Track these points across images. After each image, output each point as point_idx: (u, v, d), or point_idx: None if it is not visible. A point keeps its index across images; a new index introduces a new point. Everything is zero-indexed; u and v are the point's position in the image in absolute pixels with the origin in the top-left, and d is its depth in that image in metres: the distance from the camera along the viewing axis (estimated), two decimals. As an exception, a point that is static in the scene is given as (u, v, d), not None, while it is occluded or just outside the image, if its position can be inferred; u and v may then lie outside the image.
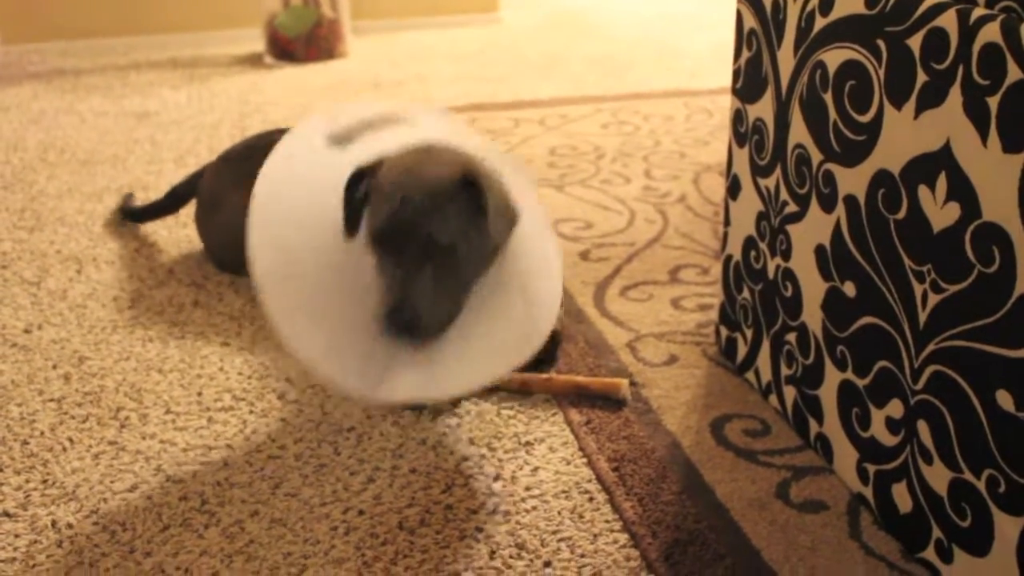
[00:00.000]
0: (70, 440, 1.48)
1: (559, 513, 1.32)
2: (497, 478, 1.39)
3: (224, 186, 1.94)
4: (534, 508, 1.33)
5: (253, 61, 3.46)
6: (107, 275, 1.96)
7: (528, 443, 1.45)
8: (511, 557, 1.25)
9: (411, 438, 1.47)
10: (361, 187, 1.46)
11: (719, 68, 3.33)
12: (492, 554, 1.25)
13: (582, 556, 1.25)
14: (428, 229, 1.39)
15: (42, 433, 1.50)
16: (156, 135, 2.73)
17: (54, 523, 1.32)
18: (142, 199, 2.32)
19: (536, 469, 1.40)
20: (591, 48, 3.59)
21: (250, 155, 1.96)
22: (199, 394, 1.58)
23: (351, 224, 1.47)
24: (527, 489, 1.36)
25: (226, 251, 1.93)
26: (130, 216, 2.20)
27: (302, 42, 3.40)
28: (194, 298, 1.87)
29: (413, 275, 1.39)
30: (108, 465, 1.42)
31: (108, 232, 2.14)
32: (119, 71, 3.34)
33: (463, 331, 1.45)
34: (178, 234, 2.16)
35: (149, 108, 2.95)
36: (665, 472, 1.38)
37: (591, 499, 1.34)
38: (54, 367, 1.66)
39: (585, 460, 1.42)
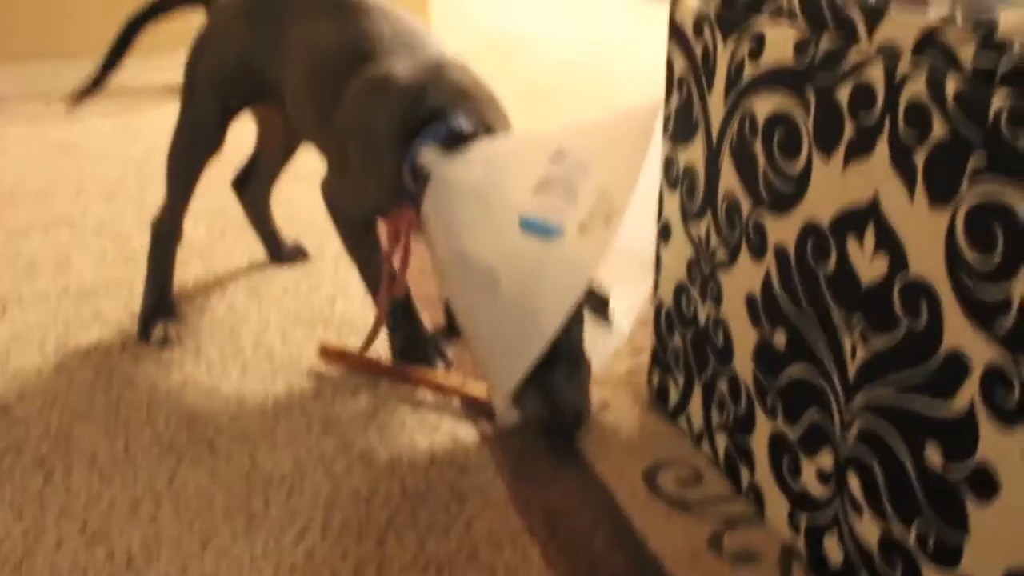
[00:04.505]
0: (-9, 495, 1.44)
1: (492, 567, 1.30)
2: (430, 531, 1.37)
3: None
4: (468, 561, 1.31)
5: (183, 89, 3.42)
6: (32, 317, 1.91)
7: (460, 494, 1.44)
8: (444, 614, 1.23)
9: (343, 488, 1.45)
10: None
11: (650, 96, 3.34)
12: (425, 611, 1.24)
13: (516, 612, 1.24)
14: None
15: (-38, 488, 1.46)
16: (83, 166, 2.68)
17: (-26, 585, 1.29)
18: (68, 232, 2.28)
19: (469, 521, 1.39)
20: (521, 75, 3.59)
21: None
22: (126, 444, 1.55)
23: None
24: (459, 542, 1.35)
25: None
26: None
27: (233, 70, 3.36)
28: (121, 342, 1.83)
29: None
30: (31, 521, 1.39)
31: (33, 271, 2.09)
32: (43, 98, 3.29)
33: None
34: (106, 275, 2.12)
35: (75, 138, 2.90)
36: (597, 522, 1.37)
37: (524, 554, 1.33)
38: (-25, 417, 1.62)
39: (517, 511, 1.40)
